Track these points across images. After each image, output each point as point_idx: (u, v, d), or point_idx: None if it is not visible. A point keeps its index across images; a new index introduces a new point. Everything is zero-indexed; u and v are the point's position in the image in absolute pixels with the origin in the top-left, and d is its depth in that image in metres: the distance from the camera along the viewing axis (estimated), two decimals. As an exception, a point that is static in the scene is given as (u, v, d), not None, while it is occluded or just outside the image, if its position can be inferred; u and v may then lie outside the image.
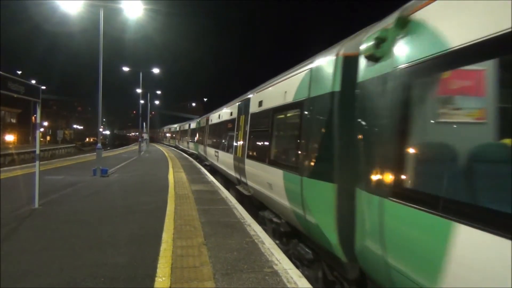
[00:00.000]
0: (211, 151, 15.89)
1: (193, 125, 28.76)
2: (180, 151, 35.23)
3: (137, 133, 42.70)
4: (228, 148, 11.36)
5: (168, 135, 57.20)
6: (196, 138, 24.80)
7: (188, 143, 31.09)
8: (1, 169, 15.44)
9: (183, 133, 36.90)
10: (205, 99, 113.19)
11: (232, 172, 10.40)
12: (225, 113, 13.32)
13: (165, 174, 14.65)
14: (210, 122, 17.62)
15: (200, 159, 22.75)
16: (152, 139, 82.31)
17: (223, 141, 12.62)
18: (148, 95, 51.26)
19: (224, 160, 11.81)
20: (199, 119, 25.32)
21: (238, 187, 9.60)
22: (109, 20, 16.71)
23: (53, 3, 14.53)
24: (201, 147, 21.22)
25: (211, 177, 13.96)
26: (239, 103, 10.40)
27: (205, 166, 19.27)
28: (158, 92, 57.51)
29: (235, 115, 10.82)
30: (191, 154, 28.14)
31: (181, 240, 5.40)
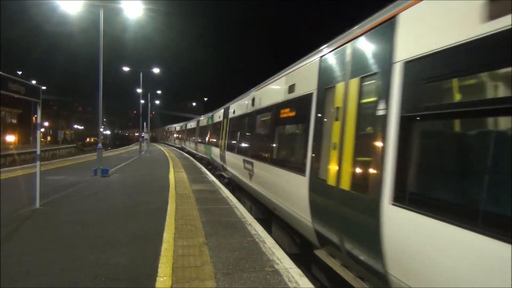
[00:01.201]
0: (235, 159, 10.54)
1: (203, 121, 23.17)
2: (186, 154, 30.34)
3: (138, 133, 42.41)
4: (285, 160, 6.21)
5: (175, 135, 49.69)
6: (207, 139, 19.33)
7: (196, 144, 25.20)
8: (2, 169, 15.46)
9: (191, 132, 30.71)
10: (205, 99, 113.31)
11: (303, 218, 4.97)
12: (270, 92, 7.51)
13: (165, 173, 14.64)
14: (231, 115, 12.31)
15: (213, 165, 17.33)
16: (153, 139, 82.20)
17: (271, 144, 6.99)
18: (148, 95, 51.30)
19: (273, 182, 6.62)
20: (212, 113, 19.24)
21: (322, 255, 4.61)
22: (109, 20, 16.70)
23: (53, 3, 14.53)
24: (215, 152, 15.52)
25: (211, 177, 13.95)
26: (328, 55, 4.68)
27: (220, 177, 13.87)
28: (158, 92, 57.54)
29: (304, 89, 5.33)
30: (200, 159, 23.02)
31: (182, 239, 5.40)
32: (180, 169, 17.01)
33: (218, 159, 14.76)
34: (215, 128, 16.47)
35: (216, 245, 5.13)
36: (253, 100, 8.95)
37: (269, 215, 7.55)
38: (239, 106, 11.13)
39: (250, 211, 8.07)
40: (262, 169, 7.37)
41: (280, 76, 6.95)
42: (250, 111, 9.17)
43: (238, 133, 10.72)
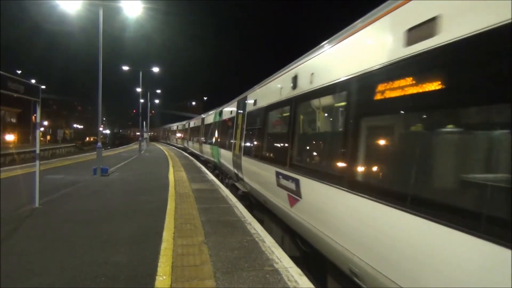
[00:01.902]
0: (259, 169, 7.36)
1: (209, 119, 19.66)
2: (188, 155, 27.64)
3: (139, 132, 42.32)
4: (416, 192, 2.64)
5: (176, 134, 45.55)
6: (214, 139, 16.23)
7: (201, 145, 21.68)
8: (2, 168, 15.46)
9: (194, 131, 26.83)
10: (205, 98, 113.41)
11: None
12: (341, 58, 4.17)
13: (165, 173, 14.64)
14: (251, 107, 9.05)
15: (221, 170, 14.70)
16: (154, 139, 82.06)
17: (346, 151, 3.71)
18: (148, 94, 51.37)
19: (357, 225, 3.39)
20: (221, 108, 15.84)
21: None
22: (108, 19, 16.69)
23: (52, 2, 14.51)
24: (225, 155, 12.36)
25: (211, 176, 13.95)
26: None
27: (232, 188, 11.11)
28: (158, 91, 57.60)
29: None
30: (205, 162, 20.34)
31: (181, 238, 5.40)
32: (180, 168, 17.01)
33: (229, 165, 11.54)
34: (225, 126, 13.42)
35: (215, 244, 5.14)
36: (295, 79, 5.54)
37: (310, 252, 5.17)
38: (264, 94, 7.88)
39: (281, 244, 5.61)
40: (325, 195, 4.09)
41: (371, 20, 3.49)
42: (289, 98, 5.76)
43: (265, 132, 7.44)
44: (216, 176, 14.91)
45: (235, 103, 11.63)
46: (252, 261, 4.51)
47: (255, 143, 8.27)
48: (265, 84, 7.92)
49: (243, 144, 9.44)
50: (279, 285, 3.81)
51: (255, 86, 9.08)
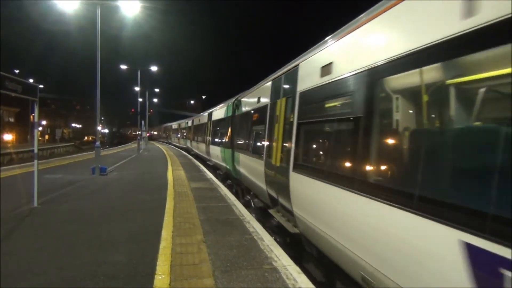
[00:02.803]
0: (373, 221, 2.97)
1: (218, 113, 15.69)
2: (192, 157, 24.09)
3: (140, 131, 42.14)
4: None
5: (178, 134, 42.33)
6: (226, 139, 12.79)
7: (208, 146, 17.63)
8: (0, 168, 15.42)
9: (199, 130, 22.69)
10: (203, 97, 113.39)
11: None
12: None
13: (164, 172, 14.64)
14: (314, 81, 4.68)
15: (237, 182, 11.29)
16: (154, 138, 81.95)
17: None
18: (147, 93, 51.32)
19: None
20: (237, 97, 12.12)
21: None
22: (106, 18, 16.65)
23: (50, 1, 14.48)
24: (249, 164, 8.84)
25: (210, 175, 13.95)
26: None
27: (256, 211, 8.26)
28: (156, 90, 57.54)
29: None
30: (214, 168, 16.83)
31: (180, 237, 5.41)
32: (179, 167, 17.00)
33: (257, 180, 7.94)
34: (247, 121, 9.80)
35: (214, 243, 5.14)
36: None
37: None
38: (362, 47, 3.58)
39: None
40: None
41: None
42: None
43: (377, 126, 3.18)
44: (229, 187, 11.63)
45: (268, 86, 7.74)
46: (251, 259, 4.51)
47: (339, 151, 4.15)
48: (371, 20, 3.42)
49: (293, 150, 5.41)
50: (278, 283, 3.82)
51: (319, 44, 5.04)
